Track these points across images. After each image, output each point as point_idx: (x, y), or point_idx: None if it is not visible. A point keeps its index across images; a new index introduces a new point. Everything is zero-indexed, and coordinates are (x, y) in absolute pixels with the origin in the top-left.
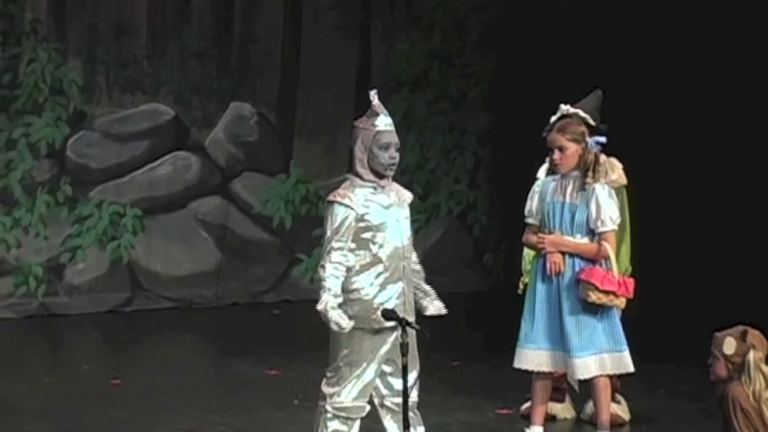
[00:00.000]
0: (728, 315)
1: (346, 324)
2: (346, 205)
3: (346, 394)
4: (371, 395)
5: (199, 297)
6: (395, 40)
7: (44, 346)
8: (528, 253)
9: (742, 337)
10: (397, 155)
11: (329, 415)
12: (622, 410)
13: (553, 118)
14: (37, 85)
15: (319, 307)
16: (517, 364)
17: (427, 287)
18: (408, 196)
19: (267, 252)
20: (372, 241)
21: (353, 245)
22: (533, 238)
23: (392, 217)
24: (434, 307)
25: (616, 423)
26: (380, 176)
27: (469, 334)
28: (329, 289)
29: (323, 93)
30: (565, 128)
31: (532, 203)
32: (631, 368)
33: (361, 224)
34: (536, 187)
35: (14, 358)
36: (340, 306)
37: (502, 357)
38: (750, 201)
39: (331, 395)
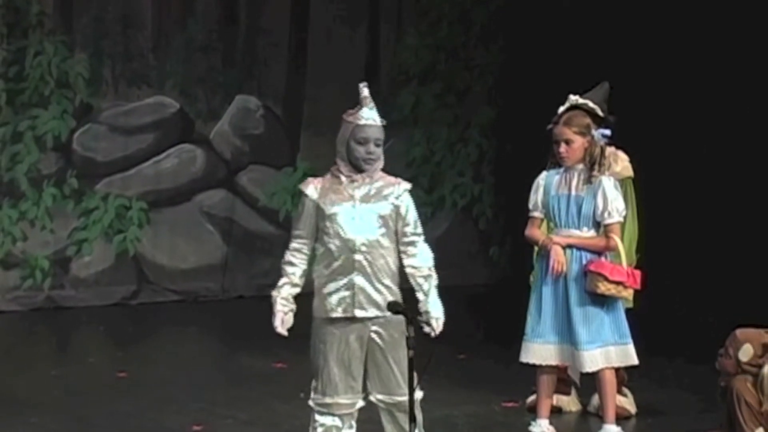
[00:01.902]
0: (736, 308)
1: (278, 322)
2: (307, 194)
3: (324, 389)
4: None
5: (205, 290)
6: (403, 33)
7: (50, 339)
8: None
9: (762, 349)
10: (376, 150)
11: (315, 412)
12: (628, 403)
13: (562, 109)
14: (43, 78)
15: (273, 293)
16: (524, 359)
17: (429, 306)
18: (400, 188)
19: (273, 245)
20: (325, 231)
21: (318, 234)
22: (537, 233)
23: (351, 209)
24: (428, 328)
25: (622, 416)
26: (359, 170)
27: (475, 327)
28: (286, 277)
29: (331, 86)
30: (570, 121)
31: (537, 196)
32: (635, 361)
33: (320, 213)
34: (540, 180)
35: (20, 350)
36: (297, 297)
37: (508, 350)
38: (759, 194)
39: (314, 390)
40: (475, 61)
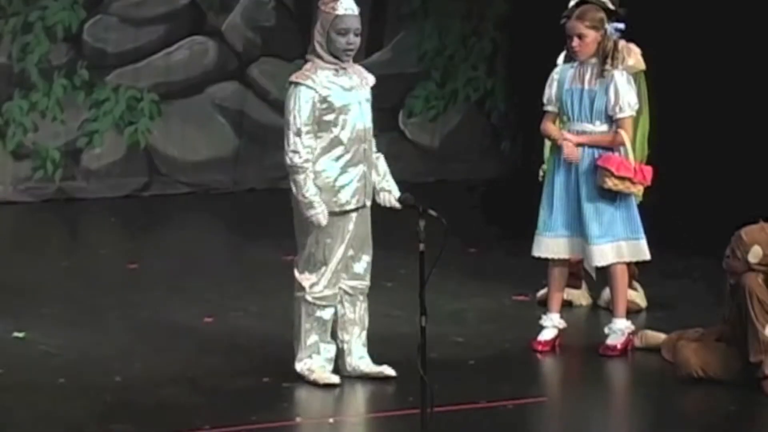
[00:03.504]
0: (747, 201)
1: (325, 221)
2: (309, 87)
3: (325, 282)
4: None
5: (217, 182)
6: None
7: (62, 230)
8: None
9: None
10: (356, 40)
11: (310, 306)
12: (639, 297)
13: (572, 3)
14: None
15: (306, 194)
16: (536, 253)
17: (388, 184)
18: (371, 79)
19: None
20: (334, 123)
21: (316, 127)
22: (551, 128)
23: (355, 99)
24: (389, 200)
25: (632, 310)
26: (339, 60)
27: (486, 221)
28: (311, 175)
29: None
30: (584, 15)
31: (551, 90)
32: (647, 256)
33: (324, 105)
34: (554, 74)
35: (32, 241)
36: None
37: (518, 244)
38: None
39: (311, 285)
40: None
